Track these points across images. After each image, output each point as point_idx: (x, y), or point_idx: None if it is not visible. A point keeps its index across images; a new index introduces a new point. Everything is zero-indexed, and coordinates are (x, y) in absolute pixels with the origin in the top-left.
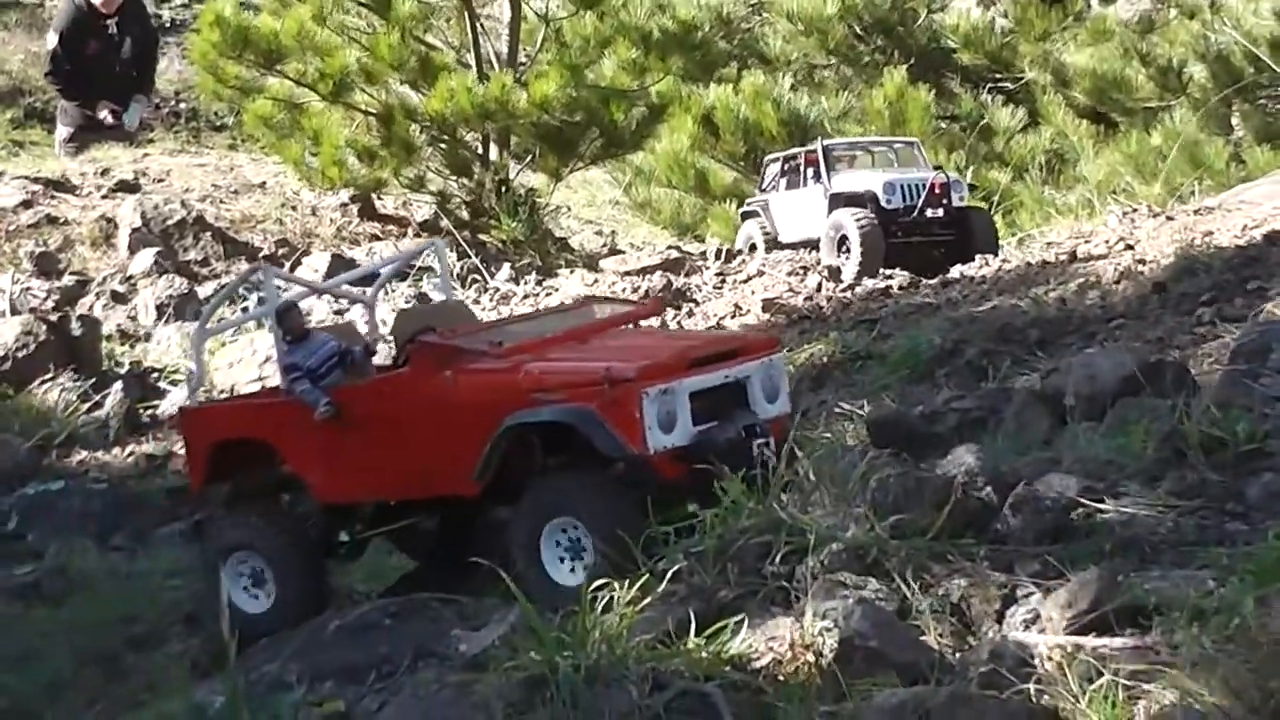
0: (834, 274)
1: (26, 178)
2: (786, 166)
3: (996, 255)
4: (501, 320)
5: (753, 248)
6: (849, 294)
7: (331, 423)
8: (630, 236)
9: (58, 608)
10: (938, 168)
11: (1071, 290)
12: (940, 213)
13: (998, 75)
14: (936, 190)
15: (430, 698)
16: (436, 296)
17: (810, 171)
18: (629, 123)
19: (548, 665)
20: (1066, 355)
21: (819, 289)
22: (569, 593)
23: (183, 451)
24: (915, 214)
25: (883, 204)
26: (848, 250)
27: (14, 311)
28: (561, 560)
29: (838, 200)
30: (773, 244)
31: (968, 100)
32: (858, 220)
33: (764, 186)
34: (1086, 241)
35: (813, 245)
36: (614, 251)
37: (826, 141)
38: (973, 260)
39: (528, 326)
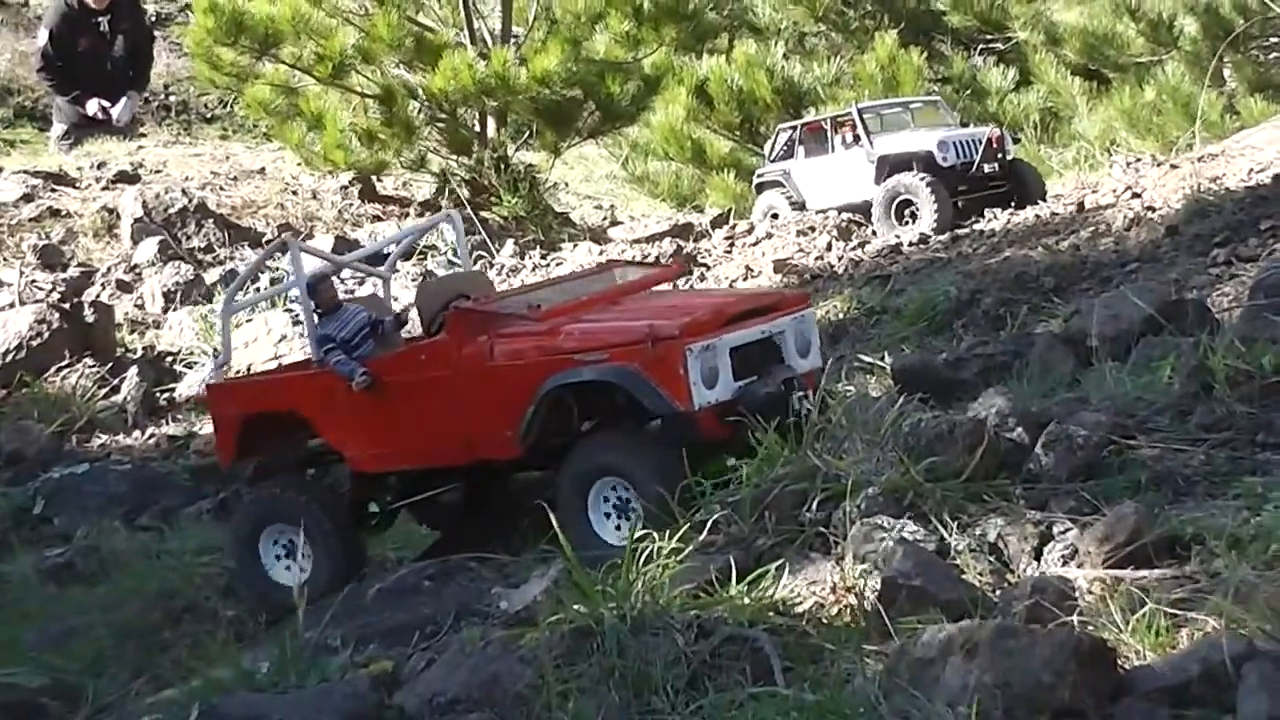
0: (849, 231)
1: (26, 172)
2: (804, 133)
3: (1044, 202)
4: (527, 287)
5: (774, 217)
6: (860, 251)
7: (367, 392)
8: (629, 209)
9: (93, 587)
10: (964, 123)
11: (1084, 238)
12: (995, 167)
13: (988, 36)
14: (993, 144)
15: (477, 653)
16: (442, 272)
17: (842, 136)
18: (624, 96)
19: (593, 617)
20: (1083, 300)
21: (829, 248)
22: (616, 551)
23: (205, 431)
24: (973, 170)
25: (939, 162)
26: (911, 215)
27: (21, 304)
28: (608, 516)
29: (886, 163)
30: (800, 212)
31: (959, 62)
32: (926, 182)
33: (775, 156)
34: (1093, 192)
35: (853, 210)
36: (614, 224)
37: (859, 105)
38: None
39: (557, 291)
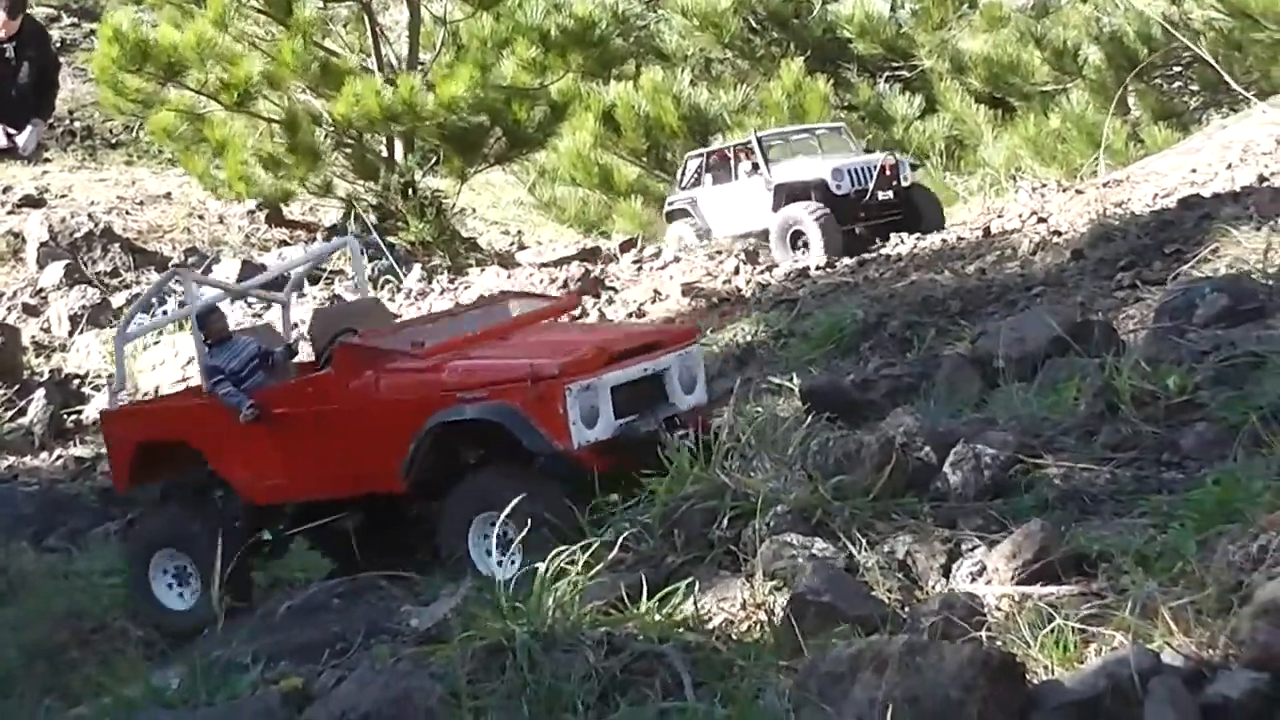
0: (757, 255)
1: None
2: (711, 161)
3: (943, 229)
4: (422, 318)
5: (686, 248)
6: (767, 275)
7: (255, 424)
8: (536, 235)
9: (0, 607)
10: (868, 149)
11: (990, 262)
12: (890, 194)
13: (894, 64)
14: (887, 172)
15: (388, 670)
16: (350, 296)
17: (744, 164)
18: (531, 122)
19: (504, 634)
20: (990, 323)
21: (736, 272)
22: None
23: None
24: (867, 197)
25: (833, 190)
26: (804, 245)
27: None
28: (489, 554)
29: (783, 191)
30: (706, 240)
31: (865, 89)
32: (813, 213)
33: (685, 184)
34: (999, 217)
35: (754, 238)
36: (521, 248)
37: (760, 133)
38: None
39: (447, 325)
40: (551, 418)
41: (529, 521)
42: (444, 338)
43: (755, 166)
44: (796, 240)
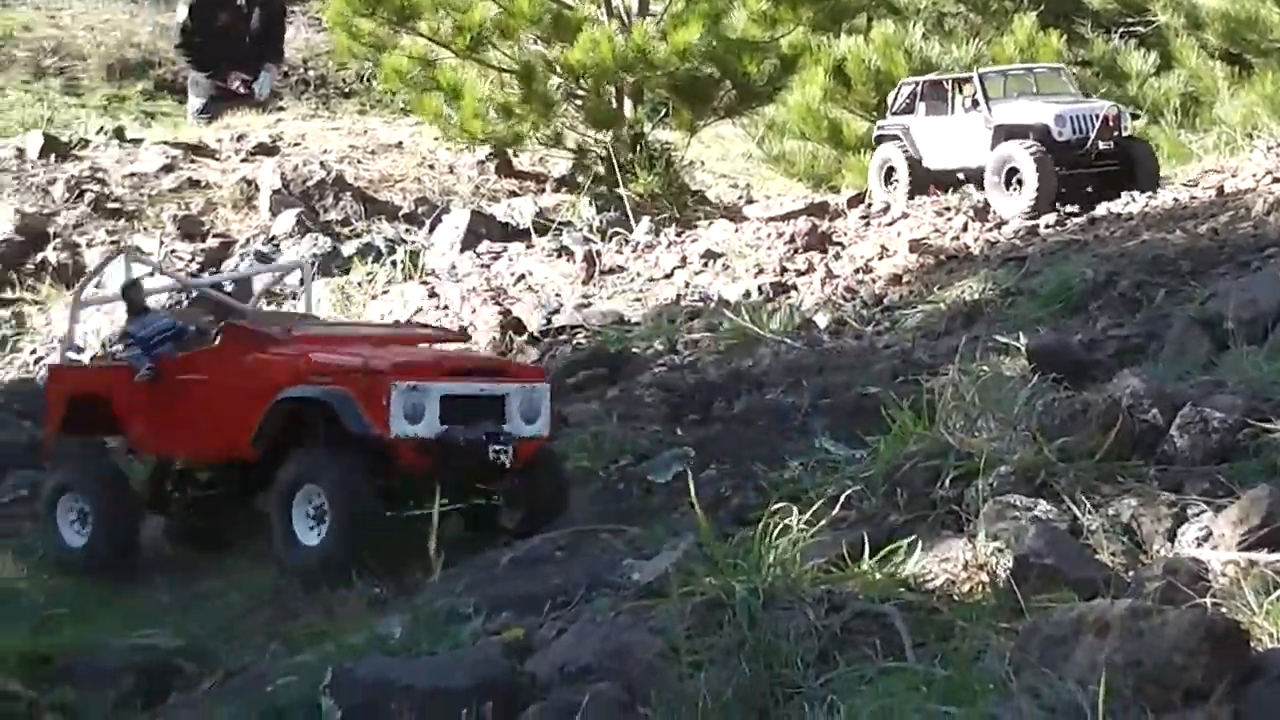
0: (986, 212)
1: (166, 143)
2: (926, 90)
3: (1158, 187)
4: (327, 321)
5: (890, 170)
6: (996, 233)
7: (153, 385)
8: (764, 189)
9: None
10: (1086, 94)
11: (1222, 222)
12: (1110, 144)
13: (1129, 19)
14: (1110, 122)
15: (608, 623)
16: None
17: (962, 99)
18: (761, 75)
19: (724, 589)
20: (1221, 284)
21: (965, 228)
22: (311, 551)
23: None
24: (1087, 145)
25: (1054, 136)
26: (1018, 183)
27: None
28: (308, 522)
29: (1002, 132)
30: (916, 168)
31: (1099, 45)
32: (1030, 151)
33: (896, 109)
34: (1233, 176)
35: (966, 174)
36: (749, 203)
37: (981, 70)
38: (1139, 190)
39: (339, 328)
40: (374, 407)
41: (340, 495)
42: (320, 332)
43: (975, 103)
44: (1011, 178)
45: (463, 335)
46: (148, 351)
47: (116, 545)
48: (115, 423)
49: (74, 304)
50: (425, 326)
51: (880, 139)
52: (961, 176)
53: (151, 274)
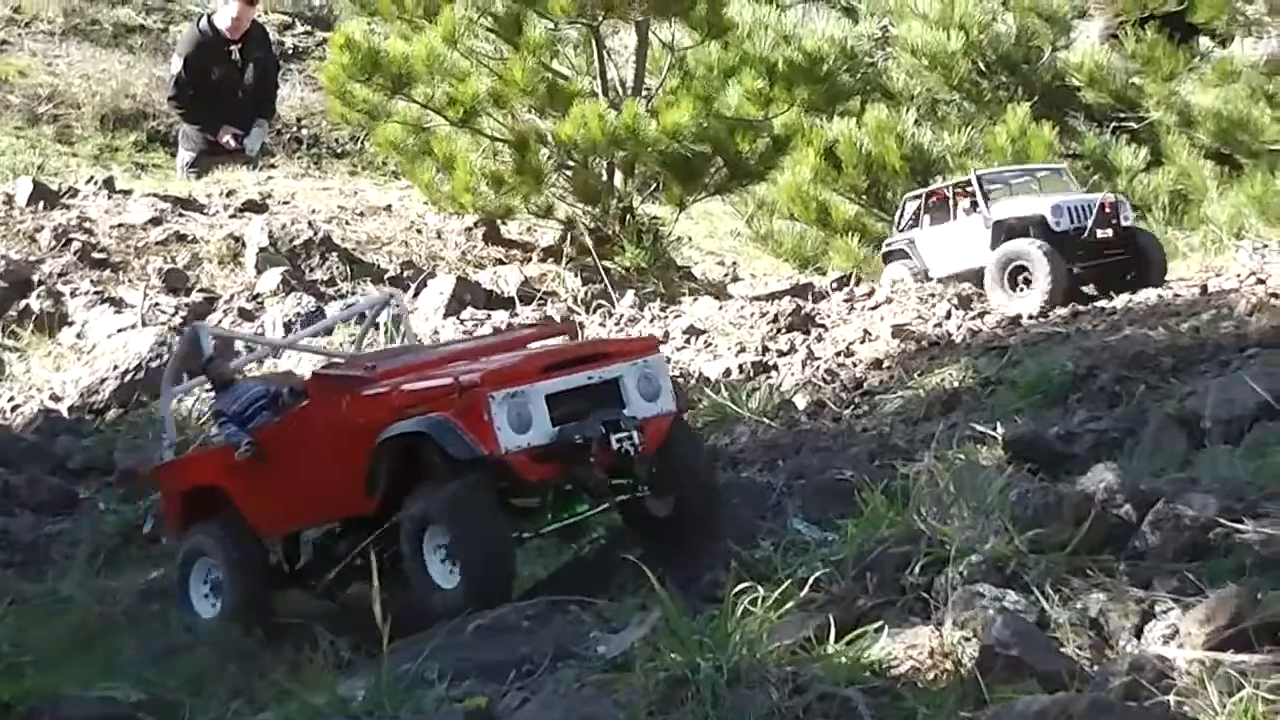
0: (969, 300)
1: (155, 195)
2: (930, 203)
3: (1165, 275)
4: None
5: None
6: (979, 321)
7: (258, 461)
8: (751, 267)
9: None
10: (1089, 189)
11: (1205, 320)
12: (1110, 233)
13: (1121, 114)
14: (1106, 210)
15: (572, 695)
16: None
17: (962, 203)
18: (753, 154)
19: (689, 666)
20: (1200, 382)
21: (948, 315)
22: (452, 595)
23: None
24: (1085, 235)
25: (1052, 227)
26: (1024, 283)
27: (144, 325)
28: (445, 566)
29: (1001, 227)
30: (923, 281)
31: (1091, 138)
32: (1039, 247)
33: (902, 226)
34: (1217, 275)
35: (971, 278)
36: (735, 280)
37: (979, 171)
38: (1147, 283)
39: (430, 350)
40: (476, 425)
41: (463, 529)
42: (402, 363)
43: (974, 204)
44: (1016, 278)
45: (569, 327)
46: (243, 426)
47: (247, 621)
48: (235, 509)
49: (164, 393)
50: (527, 326)
51: (887, 256)
52: (967, 285)
53: (229, 344)
